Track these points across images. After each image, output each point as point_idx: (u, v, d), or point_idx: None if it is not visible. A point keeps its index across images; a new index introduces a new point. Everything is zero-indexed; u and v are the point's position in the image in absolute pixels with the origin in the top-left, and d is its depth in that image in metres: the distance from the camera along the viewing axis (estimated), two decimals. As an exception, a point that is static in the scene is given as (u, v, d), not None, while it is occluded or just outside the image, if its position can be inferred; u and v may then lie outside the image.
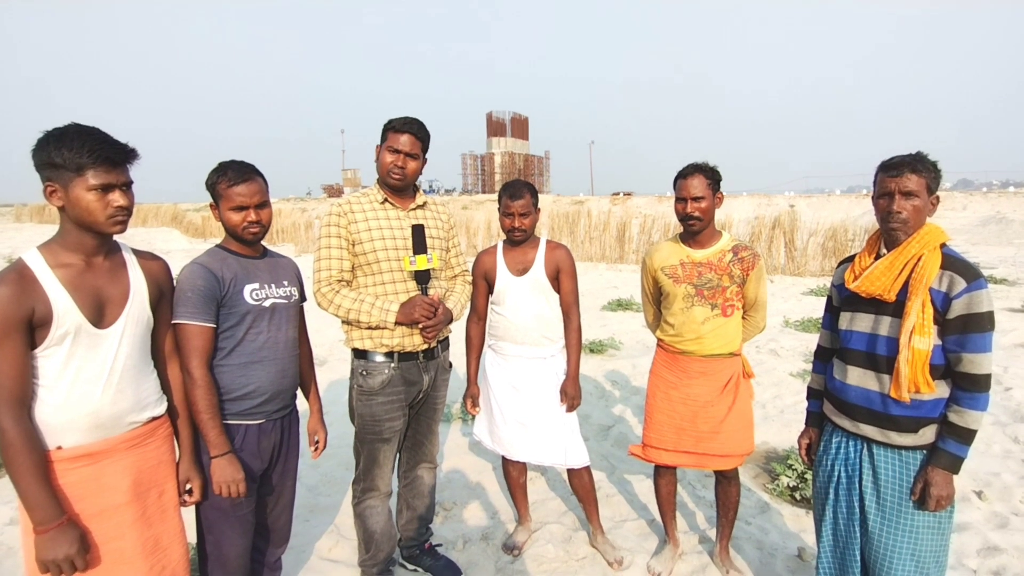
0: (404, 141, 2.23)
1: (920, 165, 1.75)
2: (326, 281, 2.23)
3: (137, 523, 1.63)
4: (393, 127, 2.25)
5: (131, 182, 1.58)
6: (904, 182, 1.74)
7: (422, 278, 2.30)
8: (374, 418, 2.30)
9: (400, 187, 2.29)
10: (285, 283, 2.04)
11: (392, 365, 2.28)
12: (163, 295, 1.76)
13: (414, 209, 2.35)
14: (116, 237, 1.63)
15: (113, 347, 1.57)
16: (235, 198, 1.89)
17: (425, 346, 2.32)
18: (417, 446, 2.53)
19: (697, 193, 2.32)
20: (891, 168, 1.77)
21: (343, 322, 2.32)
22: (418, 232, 2.31)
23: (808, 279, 11.53)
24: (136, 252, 1.73)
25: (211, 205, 1.96)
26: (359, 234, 2.23)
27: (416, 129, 2.25)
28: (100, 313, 1.56)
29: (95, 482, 1.55)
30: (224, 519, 1.92)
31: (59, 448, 1.51)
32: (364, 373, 2.28)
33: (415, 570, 2.63)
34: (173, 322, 1.80)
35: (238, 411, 1.91)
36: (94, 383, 1.54)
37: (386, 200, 2.30)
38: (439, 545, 2.76)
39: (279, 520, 2.16)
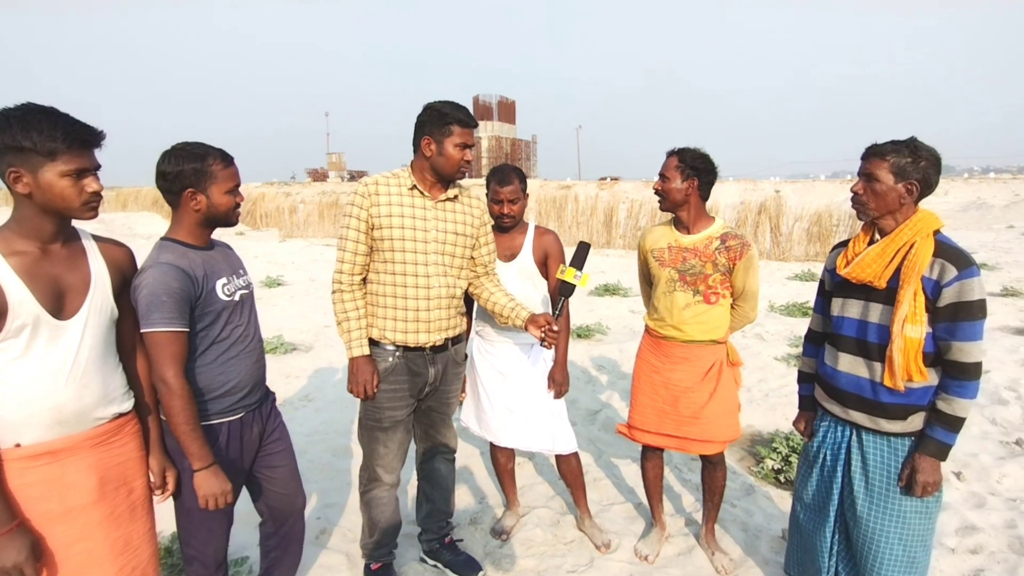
0: (470, 136, 2.17)
1: (890, 149, 1.76)
2: (347, 273, 2.16)
3: (105, 523, 1.55)
4: (462, 121, 2.13)
5: (99, 166, 1.49)
6: (866, 165, 1.82)
7: (567, 291, 2.23)
8: (374, 404, 2.24)
9: (455, 180, 2.24)
10: (241, 271, 1.95)
11: (397, 354, 2.22)
12: (127, 283, 1.65)
13: (443, 201, 2.23)
14: (75, 222, 1.53)
15: (76, 339, 1.47)
16: (231, 179, 1.80)
17: (433, 342, 2.24)
18: (430, 437, 2.48)
19: (666, 174, 2.36)
20: (865, 151, 1.84)
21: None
22: (583, 249, 2.24)
23: (793, 264, 11.64)
24: (96, 238, 1.61)
25: (189, 192, 1.75)
26: (380, 218, 2.12)
27: (475, 123, 2.21)
28: (60, 303, 1.46)
29: (58, 482, 1.46)
30: (204, 512, 1.82)
31: (17, 446, 1.41)
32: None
33: (435, 566, 2.58)
34: (145, 330, 1.63)
35: (220, 409, 1.82)
36: (56, 377, 1.44)
37: (415, 187, 2.18)
38: (460, 540, 2.69)
39: (289, 486, 2.10)
